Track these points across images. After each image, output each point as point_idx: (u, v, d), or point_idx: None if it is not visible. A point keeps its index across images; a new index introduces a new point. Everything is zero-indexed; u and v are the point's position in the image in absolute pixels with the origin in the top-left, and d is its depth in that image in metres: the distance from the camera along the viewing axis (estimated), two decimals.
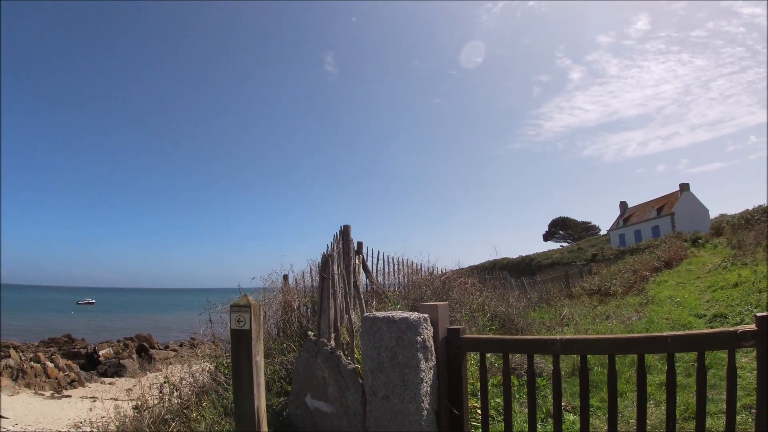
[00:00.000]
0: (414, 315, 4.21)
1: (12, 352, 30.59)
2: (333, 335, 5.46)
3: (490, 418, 4.49)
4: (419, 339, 4.11)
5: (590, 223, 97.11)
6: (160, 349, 41.10)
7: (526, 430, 4.97)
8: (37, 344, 43.82)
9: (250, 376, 4.03)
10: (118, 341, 41.18)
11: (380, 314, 4.33)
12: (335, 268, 6.12)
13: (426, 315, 4.29)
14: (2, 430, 16.79)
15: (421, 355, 4.10)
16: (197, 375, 7.88)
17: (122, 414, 7.64)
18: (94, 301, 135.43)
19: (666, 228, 64.16)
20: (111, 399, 21.40)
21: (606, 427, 5.22)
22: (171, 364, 29.97)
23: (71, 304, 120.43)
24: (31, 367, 26.38)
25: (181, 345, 43.20)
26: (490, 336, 7.07)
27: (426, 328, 4.20)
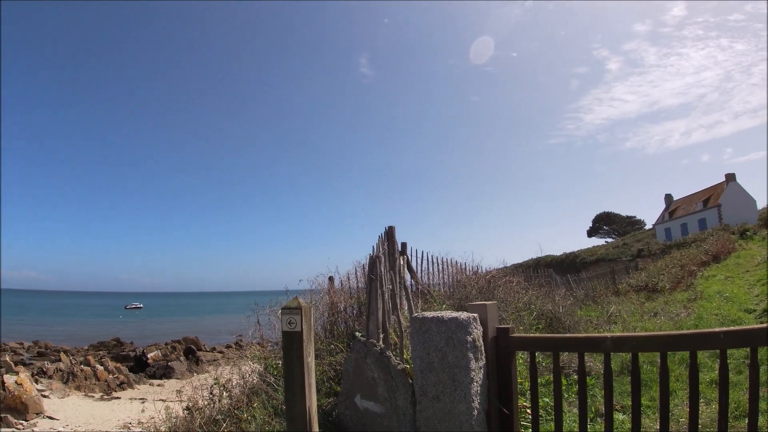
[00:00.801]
0: (464, 315, 4.20)
1: (63, 356, 31.43)
2: (381, 336, 5.47)
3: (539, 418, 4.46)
4: (469, 339, 4.09)
5: (635, 217, 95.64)
6: (207, 351, 41.69)
7: (575, 429, 4.92)
8: (87, 348, 44.99)
9: (301, 377, 4.05)
10: (166, 344, 41.99)
11: (429, 314, 4.33)
12: (383, 269, 6.12)
13: (475, 314, 4.27)
14: (53, 430, 17.15)
15: (471, 355, 4.09)
16: (246, 376, 7.96)
17: (173, 415, 7.76)
18: (141, 305, 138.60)
19: (713, 220, 62.77)
20: (160, 400, 21.75)
21: (655, 427, 5.15)
22: (218, 365, 30.39)
23: (120, 309, 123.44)
24: (82, 370, 26.97)
25: (227, 347, 43.93)
26: (540, 335, 7.01)
27: (476, 328, 4.18)
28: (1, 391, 18.14)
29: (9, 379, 18.84)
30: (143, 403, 22.41)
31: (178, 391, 17.10)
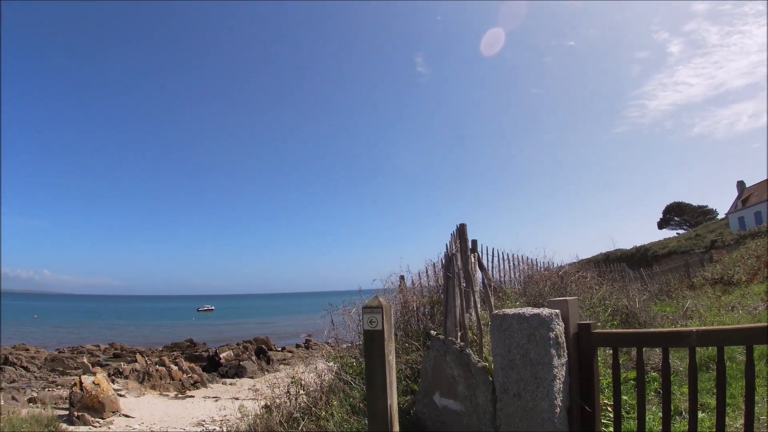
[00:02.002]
0: (546, 311, 4.14)
1: (138, 356, 32.41)
2: (460, 333, 5.44)
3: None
4: (551, 335, 4.04)
5: (707, 206, 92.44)
6: (277, 350, 42.41)
7: (656, 428, 4.80)
8: (161, 349, 46.37)
9: (383, 375, 4.08)
10: (238, 344, 42.89)
11: (510, 311, 4.29)
12: (459, 267, 6.09)
13: (557, 310, 4.21)
14: (129, 428, 17.65)
15: (553, 352, 4.03)
16: (323, 375, 8.04)
17: (252, 413, 7.90)
18: (213, 307, 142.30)
19: None
20: (233, 398, 22.23)
21: (735, 425, 4.98)
22: (289, 364, 30.87)
23: (192, 312, 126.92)
24: (157, 370, 27.74)
25: (297, 347, 44.62)
26: (624, 330, 6.87)
27: (558, 324, 4.12)
28: (79, 391, 18.82)
29: (86, 380, 19.51)
30: (216, 401, 22.92)
31: (255, 390, 17.40)
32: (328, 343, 9.56)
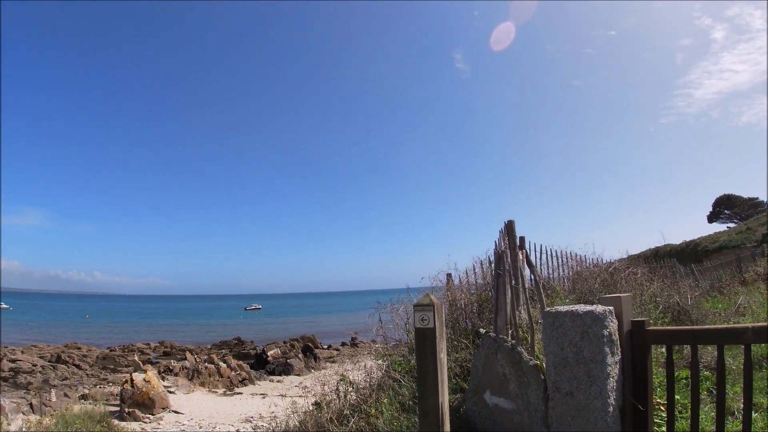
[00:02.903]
0: (599, 308, 4.09)
1: (188, 354, 32.96)
2: (510, 331, 5.42)
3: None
4: (605, 332, 3.99)
5: (757, 198, 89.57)
6: (323, 348, 42.75)
7: (709, 428, 4.70)
8: (210, 347, 47.16)
9: (434, 373, 4.09)
10: (285, 342, 43.35)
11: (563, 308, 4.25)
12: (509, 264, 6.06)
13: (610, 307, 4.16)
14: (178, 423, 17.95)
15: (607, 349, 3.98)
16: (372, 372, 8.08)
17: (302, 410, 7.97)
18: (260, 306, 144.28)
19: None
20: (280, 395, 22.47)
21: None
22: (335, 362, 31.08)
23: (240, 310, 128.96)
24: (206, 367, 28.20)
25: (343, 345, 44.90)
26: (678, 327, 6.74)
27: (611, 321, 4.06)
28: (130, 388, 19.27)
29: (137, 377, 19.96)
30: (264, 398, 23.22)
31: (304, 388, 17.57)
32: (373, 342, 9.61)
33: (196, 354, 37.00)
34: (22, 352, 40.87)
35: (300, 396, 12.56)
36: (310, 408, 7.74)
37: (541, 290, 5.63)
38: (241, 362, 32.11)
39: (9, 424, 10.07)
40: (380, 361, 8.45)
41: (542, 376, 4.60)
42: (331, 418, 6.78)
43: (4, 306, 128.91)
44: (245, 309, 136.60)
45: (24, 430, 9.13)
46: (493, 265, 8.94)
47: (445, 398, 4.28)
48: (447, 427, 4.32)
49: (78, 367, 36.56)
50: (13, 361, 35.12)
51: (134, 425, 16.84)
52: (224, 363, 29.96)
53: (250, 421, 17.70)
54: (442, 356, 4.19)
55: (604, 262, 13.57)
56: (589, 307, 4.14)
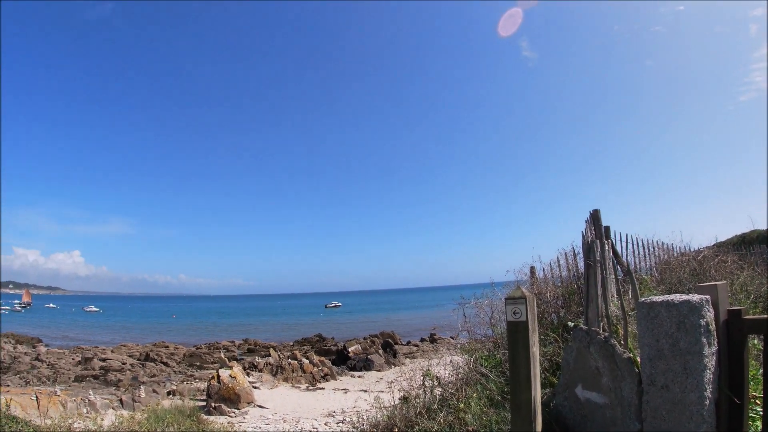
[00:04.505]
0: (695, 297, 3.97)
1: (272, 351, 33.78)
2: (602, 323, 5.33)
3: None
4: (702, 322, 3.87)
5: None
6: (402, 344, 42.94)
7: None
8: (292, 344, 48.10)
9: (527, 367, 4.08)
10: (365, 338, 43.82)
11: (658, 298, 4.15)
12: (598, 254, 5.95)
13: (707, 296, 4.04)
14: (262, 417, 18.36)
15: (704, 340, 3.86)
16: (458, 367, 8.08)
17: (389, 404, 8.05)
18: (340, 304, 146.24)
19: None
20: (361, 391, 22.71)
21: None
22: (414, 358, 31.16)
23: (320, 308, 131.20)
24: (289, 363, 28.81)
25: (421, 340, 45.03)
26: None
27: (708, 311, 3.93)
28: (216, 384, 19.92)
29: (224, 373, 20.59)
30: (345, 393, 23.53)
31: (390, 382, 17.67)
32: (452, 338, 9.61)
33: (279, 351, 37.75)
34: (112, 351, 42.85)
35: (382, 392, 12.65)
36: (397, 403, 7.81)
37: (635, 280, 5.50)
38: (322, 358, 32.58)
39: (102, 419, 10.56)
40: (465, 356, 8.42)
41: (636, 369, 4.51)
42: (420, 412, 6.83)
43: (95, 309, 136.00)
44: (325, 306, 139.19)
45: (117, 424, 9.55)
46: (578, 256, 8.81)
47: (537, 393, 4.27)
48: (539, 422, 4.29)
49: (165, 364, 38.00)
50: (104, 360, 36.84)
51: (221, 419, 17.31)
52: (306, 359, 30.47)
53: (333, 416, 17.93)
54: (535, 350, 4.17)
55: (692, 250, 13.16)
56: (685, 297, 4.03)
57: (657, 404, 4.14)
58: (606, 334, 5.04)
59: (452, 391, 7.15)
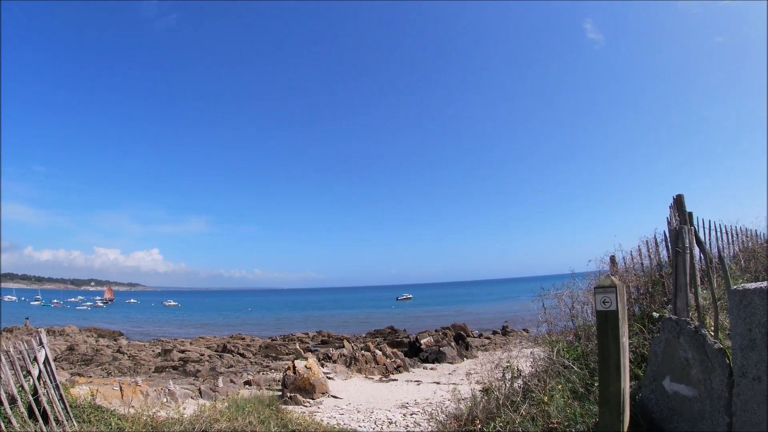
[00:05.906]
0: None
1: (346, 343, 34.30)
2: (692, 313, 5.24)
3: None
4: None
5: None
6: (474, 337, 42.83)
7: None
8: (365, 336, 48.67)
9: (616, 357, 4.07)
10: (436, 330, 43.95)
11: (751, 286, 4.06)
12: (687, 241, 5.82)
13: None
14: (336, 407, 18.66)
15: None
16: (538, 359, 8.05)
17: (469, 396, 8.07)
18: (411, 296, 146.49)
19: None
20: (434, 382, 22.79)
21: None
22: (486, 350, 31.01)
23: (392, 300, 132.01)
24: (362, 355, 29.15)
25: (494, 333, 44.78)
26: None
27: None
28: (292, 374, 20.37)
29: (299, 364, 21.01)
30: (418, 385, 23.62)
31: (467, 373, 17.68)
32: (525, 330, 9.56)
33: (353, 342, 38.19)
34: (191, 343, 44.29)
35: (456, 384, 12.66)
36: (476, 394, 7.82)
37: (726, 267, 5.36)
38: (395, 350, 32.76)
39: (184, 408, 10.93)
40: (546, 348, 8.36)
41: (727, 361, 4.43)
42: (503, 403, 6.83)
43: (174, 303, 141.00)
44: (397, 299, 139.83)
45: (199, 413, 9.89)
46: (660, 244, 8.64)
47: (626, 385, 4.24)
48: (627, 415, 4.27)
49: (242, 355, 39.02)
50: (183, 351, 38.13)
51: (297, 409, 17.63)
52: (380, 351, 30.71)
53: (407, 407, 18.00)
54: (624, 340, 4.15)
55: None
56: None
57: (748, 397, 4.07)
58: (697, 323, 4.95)
59: (534, 382, 7.12)
